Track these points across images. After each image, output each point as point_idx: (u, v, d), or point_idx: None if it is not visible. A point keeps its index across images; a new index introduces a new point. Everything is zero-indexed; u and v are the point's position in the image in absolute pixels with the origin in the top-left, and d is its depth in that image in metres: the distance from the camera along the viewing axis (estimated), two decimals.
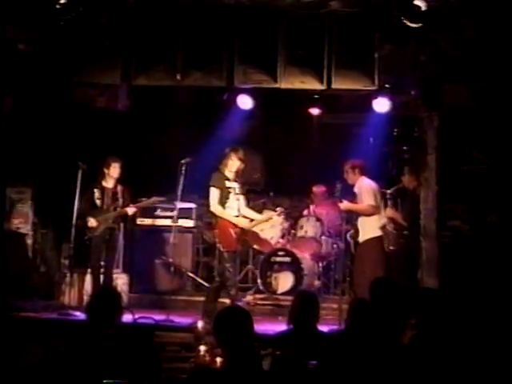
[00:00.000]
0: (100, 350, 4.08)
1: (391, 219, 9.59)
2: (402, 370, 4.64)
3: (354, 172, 9.30)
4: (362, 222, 9.35)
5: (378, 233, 9.25)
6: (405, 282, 8.62)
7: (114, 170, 9.62)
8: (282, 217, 10.15)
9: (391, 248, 9.46)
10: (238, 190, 8.95)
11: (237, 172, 8.97)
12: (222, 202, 8.89)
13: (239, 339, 4.38)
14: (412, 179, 9.50)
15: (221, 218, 8.92)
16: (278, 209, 9.75)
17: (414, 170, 9.53)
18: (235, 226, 8.89)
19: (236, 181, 8.98)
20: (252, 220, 9.25)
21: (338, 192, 9.14)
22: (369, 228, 9.26)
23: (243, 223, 8.99)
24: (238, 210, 8.92)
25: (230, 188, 8.91)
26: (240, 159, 8.89)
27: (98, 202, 9.64)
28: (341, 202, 9.35)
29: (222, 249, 8.87)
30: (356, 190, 9.31)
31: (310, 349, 5.14)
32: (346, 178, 9.39)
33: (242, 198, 9.01)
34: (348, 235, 10.08)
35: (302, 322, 5.76)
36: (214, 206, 8.89)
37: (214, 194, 8.87)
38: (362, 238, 9.36)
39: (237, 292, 8.99)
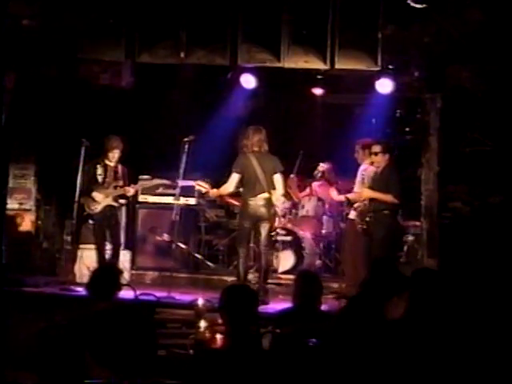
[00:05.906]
0: (98, 324, 4.08)
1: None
2: (395, 345, 4.57)
3: (364, 152, 9.16)
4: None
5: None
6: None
7: (115, 152, 9.52)
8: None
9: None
10: None
11: None
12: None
13: (244, 317, 4.36)
14: (382, 159, 8.85)
15: None
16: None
17: (384, 149, 8.92)
18: None
19: None
20: None
21: None
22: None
23: None
24: None
25: None
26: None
27: (99, 178, 9.55)
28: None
29: None
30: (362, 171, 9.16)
31: (311, 327, 5.07)
32: (357, 157, 9.29)
33: None
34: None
35: (304, 301, 5.77)
36: None
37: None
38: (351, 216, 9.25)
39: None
